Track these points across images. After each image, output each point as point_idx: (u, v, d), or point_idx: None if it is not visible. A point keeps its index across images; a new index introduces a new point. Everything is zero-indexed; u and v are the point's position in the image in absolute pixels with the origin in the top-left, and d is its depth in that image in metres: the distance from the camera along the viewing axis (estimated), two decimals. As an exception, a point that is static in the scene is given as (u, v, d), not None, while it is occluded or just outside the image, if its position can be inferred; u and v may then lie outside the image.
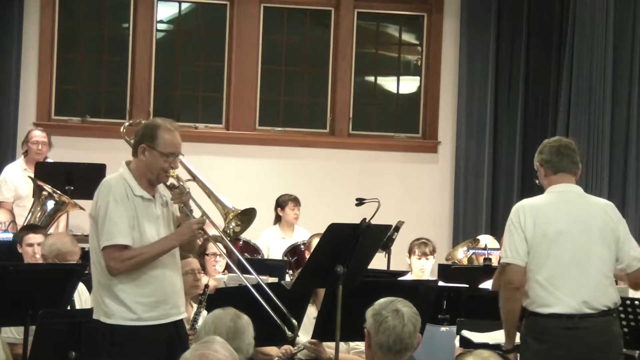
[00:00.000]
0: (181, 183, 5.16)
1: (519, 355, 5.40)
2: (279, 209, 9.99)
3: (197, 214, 5.19)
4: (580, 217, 5.37)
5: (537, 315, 5.30)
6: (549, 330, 5.27)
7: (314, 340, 6.38)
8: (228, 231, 5.33)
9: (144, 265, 5.03)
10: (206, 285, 6.40)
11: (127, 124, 5.83)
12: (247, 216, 5.39)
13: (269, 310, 5.20)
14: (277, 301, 5.26)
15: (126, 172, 5.11)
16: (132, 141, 5.25)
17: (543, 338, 5.28)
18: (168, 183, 5.14)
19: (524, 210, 5.38)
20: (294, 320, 5.20)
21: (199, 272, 6.58)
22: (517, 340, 5.39)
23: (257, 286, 5.36)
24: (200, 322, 5.86)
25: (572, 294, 5.25)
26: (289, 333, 5.17)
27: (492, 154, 11.38)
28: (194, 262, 6.46)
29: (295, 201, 9.99)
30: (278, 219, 10.01)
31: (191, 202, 5.18)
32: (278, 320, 5.19)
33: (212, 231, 5.66)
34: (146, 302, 5.03)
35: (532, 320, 5.33)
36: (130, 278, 5.02)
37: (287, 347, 6.51)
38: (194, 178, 5.36)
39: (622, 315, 6.04)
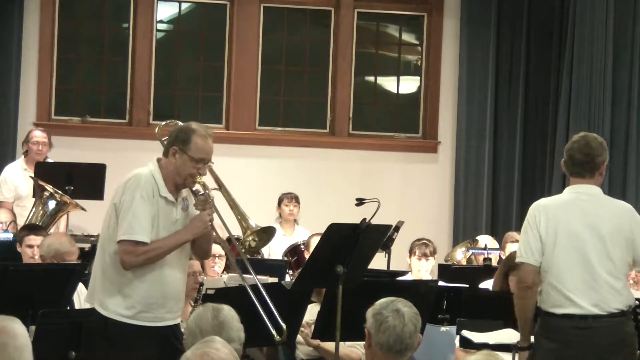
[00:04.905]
0: (207, 191, 5.11)
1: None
2: (277, 206, 10.08)
3: (216, 222, 5.14)
4: (593, 219, 5.34)
5: (549, 315, 5.29)
6: (561, 330, 5.26)
7: (304, 329, 6.35)
8: (245, 244, 5.27)
9: (157, 259, 5.00)
10: (201, 284, 6.41)
11: (162, 124, 5.83)
12: (266, 234, 5.33)
13: (262, 312, 5.12)
14: (271, 305, 5.19)
15: (156, 170, 5.07)
16: (165, 141, 5.22)
17: (554, 337, 5.27)
18: (194, 188, 5.11)
19: (539, 209, 5.36)
20: (283, 325, 5.10)
21: (199, 274, 6.59)
22: (533, 339, 5.40)
23: (255, 287, 5.32)
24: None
25: (582, 296, 5.24)
26: (276, 337, 5.12)
27: (492, 154, 11.37)
28: (195, 265, 6.47)
29: (291, 197, 10.04)
30: (280, 217, 10.11)
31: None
32: (268, 323, 5.13)
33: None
34: (144, 302, 5.02)
35: (544, 320, 5.32)
36: (136, 275, 5.00)
37: None
38: (220, 187, 5.30)
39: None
